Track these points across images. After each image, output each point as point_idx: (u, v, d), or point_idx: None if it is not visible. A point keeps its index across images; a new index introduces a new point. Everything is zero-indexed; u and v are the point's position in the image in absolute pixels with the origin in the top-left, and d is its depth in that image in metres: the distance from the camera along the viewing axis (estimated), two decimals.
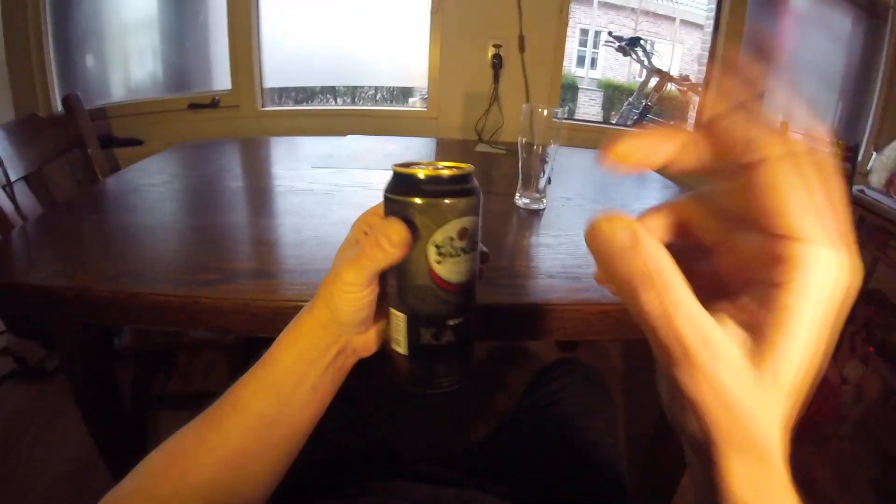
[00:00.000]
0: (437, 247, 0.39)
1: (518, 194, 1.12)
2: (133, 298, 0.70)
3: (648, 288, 0.22)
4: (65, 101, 1.55)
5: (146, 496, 0.41)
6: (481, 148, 1.75)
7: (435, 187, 0.38)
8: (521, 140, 1.06)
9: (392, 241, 0.37)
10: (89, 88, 2.21)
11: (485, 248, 0.44)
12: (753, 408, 0.23)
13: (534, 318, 0.75)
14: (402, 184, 0.39)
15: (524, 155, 1.07)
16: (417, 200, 0.38)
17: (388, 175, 0.40)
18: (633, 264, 0.23)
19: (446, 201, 0.38)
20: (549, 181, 1.10)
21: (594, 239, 0.24)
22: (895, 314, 2.25)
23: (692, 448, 0.27)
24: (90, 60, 2.26)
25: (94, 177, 1.57)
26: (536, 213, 1.09)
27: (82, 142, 1.56)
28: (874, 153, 2.43)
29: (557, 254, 0.88)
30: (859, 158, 2.43)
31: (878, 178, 2.31)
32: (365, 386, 0.72)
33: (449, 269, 0.40)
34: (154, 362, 1.79)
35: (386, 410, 1.66)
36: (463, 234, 0.39)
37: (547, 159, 1.06)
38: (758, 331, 0.23)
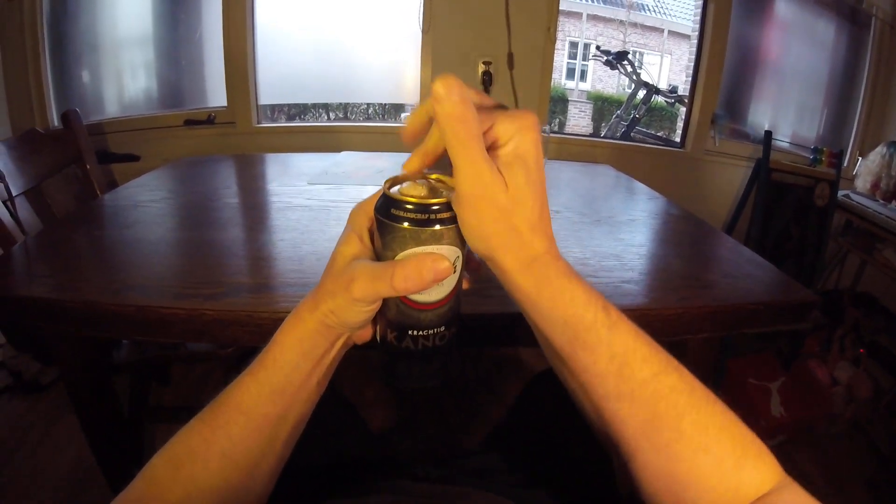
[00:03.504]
0: None
1: None
2: (140, 312, 0.73)
3: (461, 124, 0.35)
4: (64, 116, 1.57)
5: (156, 502, 0.41)
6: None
7: (405, 213, 0.39)
8: None
9: (435, 277, 0.38)
10: (85, 104, 2.24)
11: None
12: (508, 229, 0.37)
13: (524, 326, 0.78)
14: (383, 202, 0.41)
15: None
16: (382, 218, 0.40)
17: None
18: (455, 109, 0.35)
19: (405, 226, 0.39)
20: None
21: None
22: (884, 315, 2.29)
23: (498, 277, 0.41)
24: (86, 76, 2.28)
25: (93, 192, 1.59)
26: None
27: (81, 157, 1.57)
28: (859, 158, 2.47)
29: None
30: (845, 164, 2.47)
31: (863, 183, 2.35)
32: (363, 395, 0.75)
33: (416, 294, 0.42)
34: (150, 374, 1.81)
35: (383, 416, 1.69)
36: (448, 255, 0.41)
37: None
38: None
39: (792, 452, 1.84)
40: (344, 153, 1.82)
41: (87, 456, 1.12)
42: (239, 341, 0.74)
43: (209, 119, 2.10)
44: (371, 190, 0.43)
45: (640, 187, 1.66)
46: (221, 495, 0.42)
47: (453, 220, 0.39)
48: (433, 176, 0.43)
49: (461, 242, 0.41)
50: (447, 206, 0.39)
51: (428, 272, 0.38)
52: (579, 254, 0.99)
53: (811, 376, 2.05)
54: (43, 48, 2.06)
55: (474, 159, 0.36)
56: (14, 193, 1.23)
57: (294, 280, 0.82)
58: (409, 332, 0.43)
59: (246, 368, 0.44)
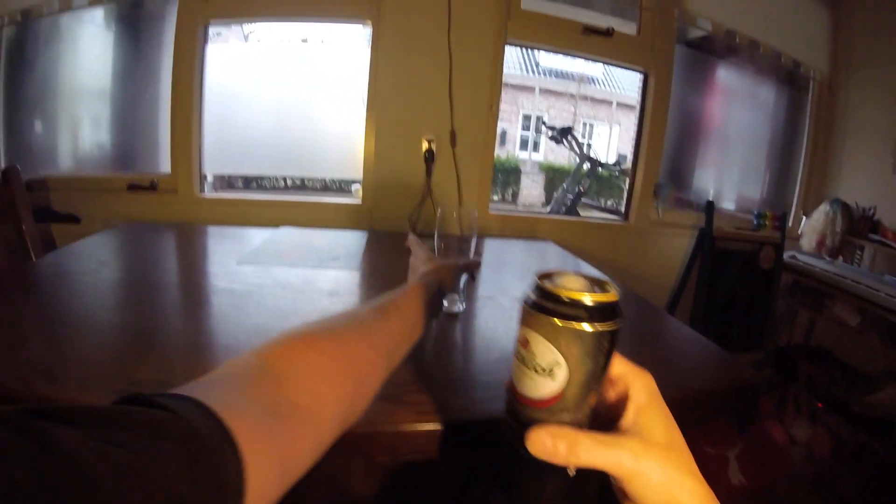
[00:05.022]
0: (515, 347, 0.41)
1: None
2: (41, 402, 0.69)
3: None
4: (4, 173, 1.55)
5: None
6: (411, 241, 1.72)
7: (532, 296, 0.40)
8: (440, 244, 1.07)
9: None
10: (36, 156, 2.19)
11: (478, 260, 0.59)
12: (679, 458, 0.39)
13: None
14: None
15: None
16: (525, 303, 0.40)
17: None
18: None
19: (526, 309, 0.40)
20: (471, 278, 1.12)
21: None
22: (839, 367, 2.30)
23: None
24: (38, 127, 2.24)
25: (27, 253, 1.56)
26: (455, 317, 1.07)
27: (17, 216, 1.56)
28: (804, 217, 2.56)
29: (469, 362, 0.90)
30: (789, 224, 2.55)
31: (808, 242, 2.42)
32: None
33: (515, 374, 0.41)
34: None
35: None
36: (524, 343, 0.39)
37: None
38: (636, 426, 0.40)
39: None
40: (282, 228, 1.80)
41: None
42: None
43: (151, 185, 2.06)
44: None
45: (582, 265, 1.68)
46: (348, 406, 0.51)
47: (567, 318, 0.38)
48: (575, 280, 0.42)
49: (571, 353, 0.38)
50: (570, 305, 0.38)
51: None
52: (507, 344, 0.94)
53: (769, 438, 2.05)
54: None
55: (616, 452, 0.38)
56: None
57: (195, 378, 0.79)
58: (506, 416, 0.43)
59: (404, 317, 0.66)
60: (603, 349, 0.38)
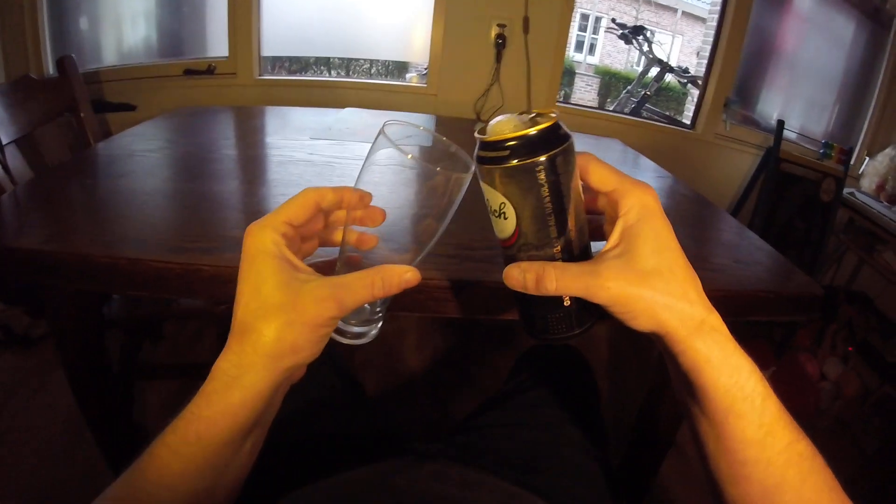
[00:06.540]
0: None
1: None
2: (134, 265, 0.69)
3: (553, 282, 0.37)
4: (59, 63, 1.50)
5: None
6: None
7: (478, 151, 0.39)
8: None
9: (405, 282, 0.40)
10: (82, 51, 2.16)
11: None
12: (652, 291, 0.36)
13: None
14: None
15: None
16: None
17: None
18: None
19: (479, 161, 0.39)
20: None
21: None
22: (877, 316, 2.28)
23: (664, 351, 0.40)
24: (83, 23, 2.20)
25: (87, 141, 1.52)
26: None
27: (76, 106, 1.50)
28: (867, 158, 2.46)
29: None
30: (852, 162, 2.45)
31: (868, 183, 2.34)
32: (363, 368, 0.74)
33: (493, 222, 0.41)
34: (142, 331, 1.78)
35: (382, 390, 1.67)
36: (483, 195, 0.40)
37: None
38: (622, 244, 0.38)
39: None
40: (347, 109, 1.76)
41: (77, 412, 1.09)
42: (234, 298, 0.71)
43: (209, 69, 2.03)
44: None
45: (649, 164, 1.63)
46: None
47: (488, 161, 0.38)
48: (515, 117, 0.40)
49: (508, 190, 0.38)
50: (490, 147, 0.38)
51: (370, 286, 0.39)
52: None
53: (801, 369, 2.06)
54: None
55: (586, 281, 0.37)
56: (4, 142, 1.16)
57: None
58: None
59: (163, 434, 0.37)
60: (539, 180, 0.37)
